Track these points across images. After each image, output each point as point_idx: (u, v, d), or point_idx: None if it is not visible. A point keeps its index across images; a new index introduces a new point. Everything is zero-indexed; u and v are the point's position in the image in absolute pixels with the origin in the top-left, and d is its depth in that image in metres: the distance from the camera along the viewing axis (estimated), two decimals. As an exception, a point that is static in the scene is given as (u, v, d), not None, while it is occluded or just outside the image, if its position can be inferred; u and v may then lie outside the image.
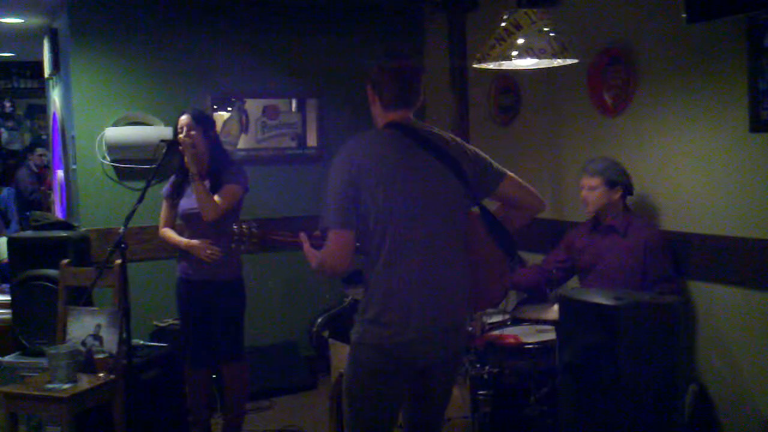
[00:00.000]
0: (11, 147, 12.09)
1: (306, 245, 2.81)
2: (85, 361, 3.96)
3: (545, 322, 3.91)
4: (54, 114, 7.00)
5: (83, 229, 5.15)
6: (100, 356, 3.99)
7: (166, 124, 5.36)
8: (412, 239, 2.72)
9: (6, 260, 5.27)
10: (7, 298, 5.15)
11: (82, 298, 4.10)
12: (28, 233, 4.90)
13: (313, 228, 2.85)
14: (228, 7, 5.70)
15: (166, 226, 4.46)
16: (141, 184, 4.15)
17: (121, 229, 3.76)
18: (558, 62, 3.98)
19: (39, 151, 10.27)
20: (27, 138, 12.13)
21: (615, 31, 4.40)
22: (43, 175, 10.11)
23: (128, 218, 3.80)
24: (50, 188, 8.98)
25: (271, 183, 5.76)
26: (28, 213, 5.77)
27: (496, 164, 2.90)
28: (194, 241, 4.29)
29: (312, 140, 6.05)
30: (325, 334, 5.54)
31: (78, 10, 5.36)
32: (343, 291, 5.68)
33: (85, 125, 5.42)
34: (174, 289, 4.47)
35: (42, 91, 9.68)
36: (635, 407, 3.05)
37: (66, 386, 3.77)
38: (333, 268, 2.72)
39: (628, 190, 4.08)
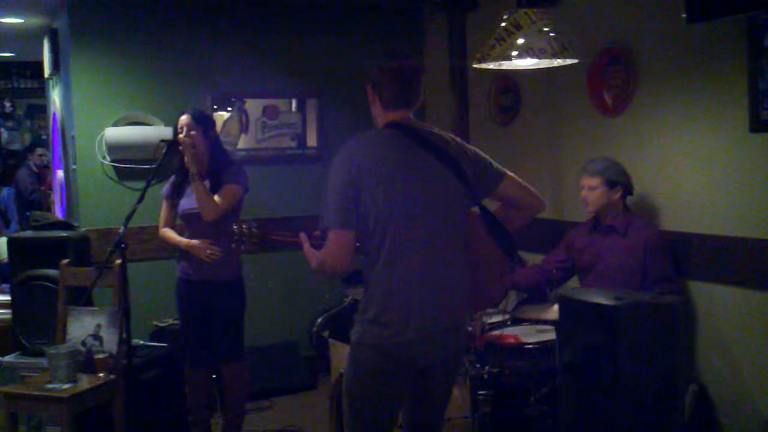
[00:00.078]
0: (11, 147, 12.09)
1: (306, 245, 2.81)
2: (85, 361, 3.96)
3: (545, 322, 3.91)
4: (54, 114, 7.00)
5: (83, 229, 5.15)
6: (100, 356, 3.99)
7: (166, 124, 5.36)
8: (412, 239, 2.72)
9: (6, 260, 5.27)
10: (7, 298, 5.15)
11: (82, 298, 4.10)
12: (28, 233, 4.90)
13: (313, 228, 2.85)
14: (228, 7, 5.70)
15: (166, 226, 4.46)
16: (141, 184, 4.15)
17: (121, 229, 3.76)
18: (558, 62, 3.98)
19: (39, 151, 10.27)
20: (27, 138, 12.13)
21: (615, 31, 4.40)
22: (43, 175, 10.10)
23: (128, 218, 3.80)
24: (50, 188, 8.98)
25: (271, 183, 5.76)
26: (28, 213, 5.77)
27: (496, 164, 2.90)
28: (194, 241, 4.29)
29: (312, 140, 6.05)
30: (325, 334, 5.54)
31: (78, 10, 5.36)
32: (343, 291, 5.68)
33: (85, 125, 5.42)
34: (174, 289, 4.47)
35: (42, 91, 9.67)
36: (635, 407, 3.05)
37: (66, 386, 3.77)
38: (333, 268, 2.72)
39: (628, 190, 4.08)
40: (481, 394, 3.62)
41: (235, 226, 3.16)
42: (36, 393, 3.78)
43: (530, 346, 3.72)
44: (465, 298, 2.85)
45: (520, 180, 2.92)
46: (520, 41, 3.85)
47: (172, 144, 4.25)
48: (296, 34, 5.91)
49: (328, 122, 6.03)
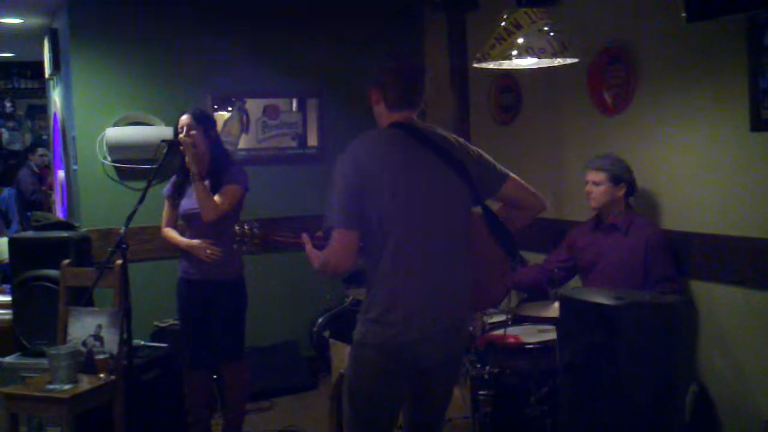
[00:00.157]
0: (12, 147, 12.09)
1: (308, 246, 2.82)
2: (85, 362, 3.95)
3: (546, 320, 3.91)
4: (54, 114, 7.00)
5: (84, 229, 5.16)
6: (101, 357, 3.98)
7: (167, 124, 5.36)
8: (416, 239, 2.73)
9: (7, 260, 5.27)
10: (7, 298, 5.16)
11: (82, 298, 4.10)
12: (29, 233, 4.90)
13: (314, 228, 2.86)
14: (229, 7, 5.70)
15: (167, 226, 4.47)
16: (142, 184, 4.15)
17: (122, 230, 3.76)
18: (558, 62, 3.98)
19: (40, 151, 10.27)
20: (28, 138, 12.13)
21: (615, 31, 4.40)
22: (44, 175, 10.11)
23: (129, 218, 3.81)
24: (51, 188, 8.98)
25: (272, 183, 5.76)
26: (29, 213, 5.79)
27: (499, 166, 2.92)
28: (194, 241, 4.29)
29: (312, 140, 6.05)
30: (326, 334, 5.54)
31: (78, 10, 5.37)
32: (344, 291, 5.68)
33: (85, 125, 5.42)
34: (175, 289, 4.46)
35: (42, 92, 9.69)
36: (636, 407, 3.05)
37: (66, 387, 3.76)
38: (336, 267, 2.73)
39: (631, 188, 4.08)
40: (481, 394, 3.62)
41: (237, 227, 3.16)
42: (36, 394, 3.77)
43: (531, 346, 3.71)
44: (467, 299, 2.86)
45: (523, 181, 2.94)
46: (520, 41, 3.85)
47: (173, 144, 4.24)
48: (296, 34, 5.91)
49: (328, 122, 6.03)
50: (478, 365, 3.67)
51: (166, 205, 4.47)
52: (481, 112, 5.54)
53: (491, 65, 4.10)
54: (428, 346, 2.76)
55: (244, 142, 5.84)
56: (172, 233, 4.44)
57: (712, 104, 3.85)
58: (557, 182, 4.90)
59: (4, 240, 6.23)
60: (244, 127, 5.85)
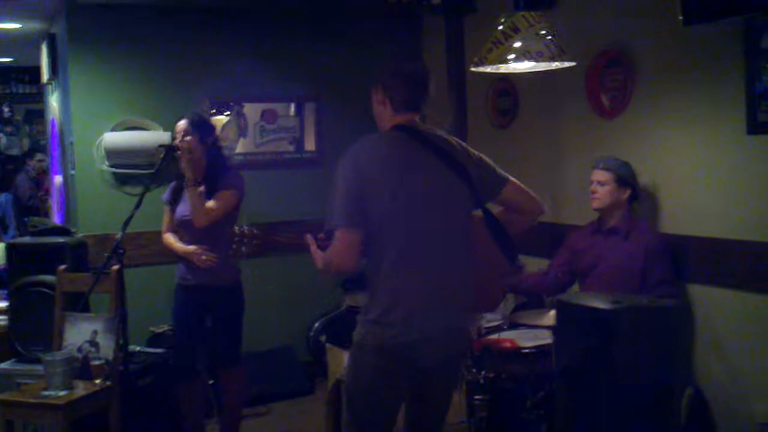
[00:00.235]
0: (9, 152, 12.07)
1: (313, 246, 2.83)
2: (81, 368, 3.95)
3: (541, 327, 3.89)
4: (52, 119, 6.99)
5: (81, 234, 5.15)
6: (97, 363, 3.98)
7: (165, 129, 5.35)
8: (417, 241, 2.75)
9: (3, 266, 5.26)
10: (4, 304, 5.14)
11: (79, 303, 4.09)
12: (26, 239, 4.90)
13: (315, 231, 2.86)
14: (226, 12, 5.70)
15: (168, 231, 4.45)
16: (139, 190, 4.15)
17: (119, 235, 3.75)
18: (555, 65, 3.98)
19: (38, 156, 10.25)
20: (25, 143, 12.11)
21: (612, 34, 4.39)
22: (41, 180, 10.09)
23: (126, 223, 3.80)
24: (48, 193, 8.97)
25: (270, 187, 5.75)
26: (26, 218, 5.78)
27: (499, 169, 2.95)
28: (190, 247, 4.28)
29: (310, 144, 6.04)
30: (323, 339, 5.53)
31: (76, 16, 5.36)
32: (341, 296, 5.66)
33: (83, 130, 5.41)
34: (171, 295, 4.45)
35: (40, 97, 9.67)
36: (632, 411, 3.05)
37: (62, 393, 3.76)
38: (339, 267, 2.75)
39: (635, 194, 4.06)
40: (477, 399, 3.61)
41: (236, 227, 3.16)
42: (32, 400, 3.77)
43: (527, 350, 3.70)
44: (468, 300, 2.88)
45: (523, 185, 2.96)
46: (518, 44, 3.85)
47: (171, 149, 4.23)
48: (294, 39, 5.91)
49: (326, 126, 6.03)
50: (474, 369, 3.66)
51: (166, 210, 4.46)
52: (479, 116, 5.53)
53: (488, 69, 4.09)
54: (428, 346, 2.76)
55: (241, 147, 5.84)
56: (170, 239, 4.43)
57: (710, 107, 3.85)
58: (555, 186, 4.89)
59: (1, 245, 6.23)
60: (242, 132, 5.85)
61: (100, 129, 5.39)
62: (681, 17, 3.56)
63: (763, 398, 3.64)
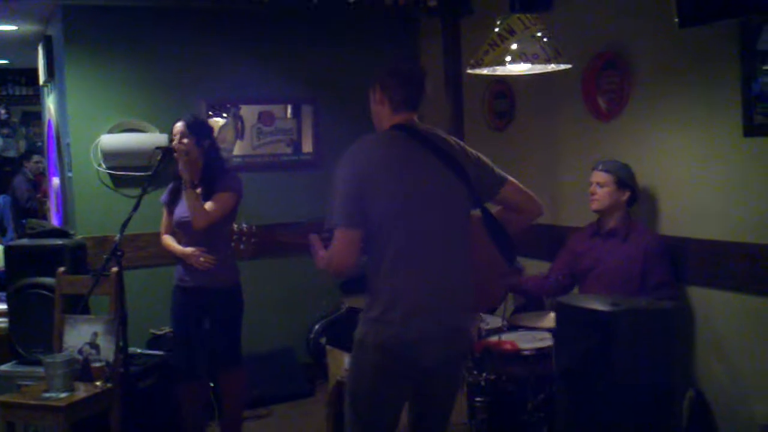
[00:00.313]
0: (6, 154, 12.06)
1: (317, 246, 2.86)
2: (81, 370, 3.96)
3: (541, 330, 3.91)
4: (49, 121, 6.99)
5: (79, 236, 5.14)
6: (97, 365, 3.99)
7: (162, 131, 5.36)
8: (416, 240, 2.76)
9: (2, 268, 5.26)
10: (3, 306, 5.14)
11: (78, 306, 4.09)
12: (24, 241, 4.89)
13: (314, 232, 2.88)
14: (223, 14, 5.70)
15: (166, 233, 4.46)
16: (137, 192, 4.14)
17: (117, 237, 3.75)
18: (552, 67, 3.99)
19: (35, 158, 10.25)
20: (22, 145, 12.10)
21: (608, 36, 4.41)
22: (39, 182, 10.09)
23: (124, 225, 3.80)
24: (46, 195, 8.96)
25: (267, 189, 5.75)
26: (24, 221, 5.77)
27: (497, 169, 2.97)
28: (188, 249, 4.28)
29: (307, 146, 6.05)
30: (323, 341, 5.53)
31: (72, 18, 5.35)
32: (341, 298, 5.67)
33: (80, 132, 5.41)
34: (170, 296, 4.45)
35: (37, 98, 9.68)
36: (632, 413, 3.06)
37: (62, 395, 3.76)
38: (339, 266, 2.76)
39: (634, 196, 4.07)
40: (478, 401, 3.63)
41: (235, 225, 3.17)
42: (32, 402, 3.77)
43: (527, 352, 3.71)
44: (468, 299, 2.89)
45: (521, 185, 2.98)
46: (514, 46, 3.86)
47: (168, 151, 4.23)
48: (291, 41, 5.91)
49: (323, 128, 6.03)
50: (475, 371, 3.67)
51: (165, 212, 4.47)
52: (475, 118, 5.55)
53: (485, 71, 4.11)
54: (428, 346, 2.77)
55: (239, 149, 5.84)
56: (169, 241, 4.43)
57: (706, 109, 3.86)
58: (552, 188, 4.90)
59: (0, 248, 6.22)
60: (239, 134, 5.85)
61: (96, 131, 5.38)
62: (676, 19, 3.57)
63: (763, 400, 3.66)
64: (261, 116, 5.91)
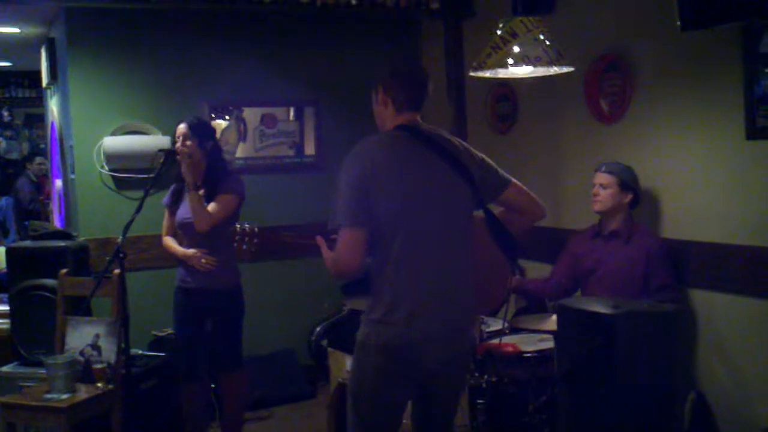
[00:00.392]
0: (9, 156, 12.09)
1: (324, 247, 2.84)
2: (83, 371, 3.96)
3: (543, 332, 3.91)
4: (52, 123, 7.00)
5: (82, 238, 5.15)
6: (99, 366, 3.99)
7: (164, 133, 5.37)
8: (419, 241, 2.76)
9: (4, 270, 5.27)
10: (5, 308, 5.15)
11: (80, 307, 4.10)
12: (27, 243, 4.91)
13: (317, 234, 2.89)
14: (226, 16, 5.70)
15: (168, 234, 4.46)
16: (139, 194, 4.14)
17: (120, 239, 3.76)
18: (554, 70, 3.99)
19: (38, 160, 10.26)
20: (25, 147, 12.13)
21: (611, 39, 4.41)
22: (42, 184, 10.10)
23: (127, 227, 3.80)
24: (49, 197, 8.97)
25: (269, 192, 5.76)
26: (26, 222, 5.79)
27: (501, 171, 2.97)
28: (190, 251, 4.29)
29: (310, 149, 6.05)
30: (324, 343, 5.53)
31: (75, 20, 5.36)
32: (342, 300, 5.67)
33: (83, 134, 5.42)
34: (172, 298, 4.46)
35: (40, 101, 9.69)
36: (634, 415, 3.05)
37: (64, 396, 3.77)
38: (344, 266, 2.75)
39: (636, 198, 4.07)
40: (479, 403, 3.62)
41: (237, 225, 3.16)
42: (34, 403, 3.78)
43: (529, 354, 3.71)
44: (471, 300, 2.88)
45: (524, 187, 2.99)
46: (516, 49, 3.86)
47: (170, 153, 4.24)
48: (294, 43, 5.92)
49: (326, 130, 6.04)
50: (476, 374, 3.67)
51: (166, 214, 4.47)
52: (478, 121, 5.55)
53: (487, 74, 4.11)
54: (431, 347, 2.77)
55: (241, 151, 5.84)
56: (170, 242, 4.44)
57: (708, 112, 3.86)
58: (555, 191, 4.90)
59: (2, 249, 6.24)
60: (242, 136, 5.85)
61: (99, 133, 5.39)
62: (678, 23, 3.57)
63: (765, 402, 3.66)
64: (263, 118, 5.91)
